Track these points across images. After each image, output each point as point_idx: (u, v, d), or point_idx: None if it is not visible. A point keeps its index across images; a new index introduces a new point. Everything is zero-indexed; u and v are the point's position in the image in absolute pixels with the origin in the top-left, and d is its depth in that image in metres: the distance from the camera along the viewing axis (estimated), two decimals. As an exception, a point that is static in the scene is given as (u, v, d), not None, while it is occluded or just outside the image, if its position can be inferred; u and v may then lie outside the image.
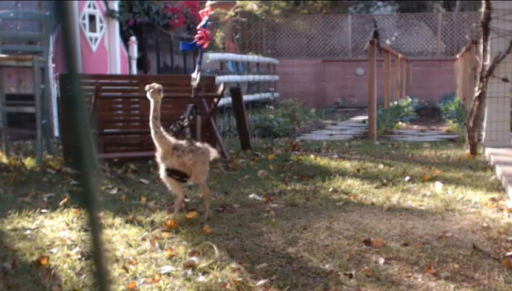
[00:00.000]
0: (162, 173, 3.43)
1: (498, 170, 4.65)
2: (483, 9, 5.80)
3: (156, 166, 5.29)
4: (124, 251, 2.83)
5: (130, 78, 7.46)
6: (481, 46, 5.82)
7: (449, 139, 7.60)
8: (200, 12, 5.72)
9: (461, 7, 18.96)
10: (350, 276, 2.48)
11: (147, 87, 3.35)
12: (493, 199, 3.84)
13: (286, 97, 13.44)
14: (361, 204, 3.83)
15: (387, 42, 16.01)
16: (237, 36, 17.06)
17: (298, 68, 17.02)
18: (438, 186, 4.26)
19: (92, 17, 8.89)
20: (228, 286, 2.38)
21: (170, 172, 3.39)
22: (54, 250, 2.83)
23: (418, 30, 17.46)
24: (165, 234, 3.08)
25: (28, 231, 3.17)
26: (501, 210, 3.59)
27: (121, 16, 9.61)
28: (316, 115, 11.51)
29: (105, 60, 9.23)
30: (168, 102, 6.10)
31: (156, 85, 3.37)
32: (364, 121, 10.27)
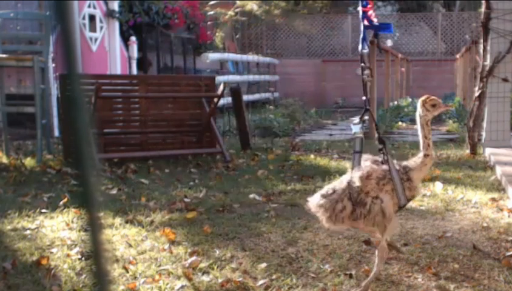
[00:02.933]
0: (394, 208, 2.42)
1: (498, 170, 4.65)
2: (483, 9, 5.80)
3: (156, 166, 5.36)
4: (124, 251, 2.83)
5: (130, 78, 7.46)
6: (481, 46, 5.82)
7: (449, 139, 7.59)
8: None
9: (461, 7, 18.96)
10: (350, 276, 2.48)
11: (422, 102, 2.45)
12: (493, 199, 3.83)
13: (286, 97, 13.43)
14: (361, 204, 3.83)
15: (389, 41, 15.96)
16: (237, 36, 17.05)
17: (298, 68, 17.01)
18: (438, 186, 4.26)
19: (92, 17, 8.88)
20: (228, 286, 2.38)
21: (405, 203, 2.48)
22: (54, 250, 2.83)
23: (418, 30, 17.46)
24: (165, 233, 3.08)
25: (28, 231, 3.17)
26: (501, 210, 3.59)
27: (121, 16, 9.60)
28: (316, 115, 11.51)
29: (105, 60, 9.22)
30: (169, 102, 6.11)
31: (432, 97, 2.48)
32: (364, 121, 10.25)
